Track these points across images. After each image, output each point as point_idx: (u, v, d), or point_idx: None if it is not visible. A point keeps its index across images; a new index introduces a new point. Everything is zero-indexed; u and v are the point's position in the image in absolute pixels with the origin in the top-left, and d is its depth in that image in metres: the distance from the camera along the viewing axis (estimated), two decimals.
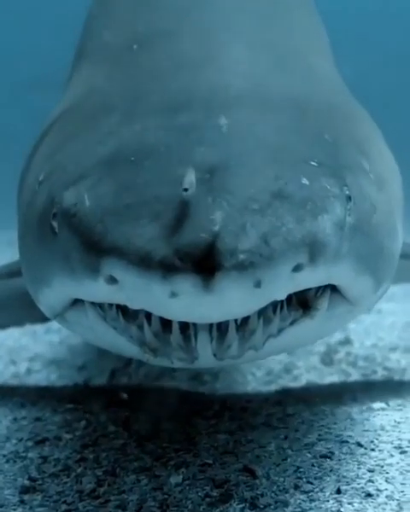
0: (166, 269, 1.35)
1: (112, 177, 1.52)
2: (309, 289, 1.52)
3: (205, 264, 1.34)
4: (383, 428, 1.87)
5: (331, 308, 1.58)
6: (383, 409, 2.03)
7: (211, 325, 1.47)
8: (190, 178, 1.40)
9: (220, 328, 1.48)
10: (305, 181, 1.48)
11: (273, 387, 2.35)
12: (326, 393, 2.25)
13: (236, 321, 1.47)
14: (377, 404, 2.06)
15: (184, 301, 1.36)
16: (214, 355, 1.49)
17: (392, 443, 1.77)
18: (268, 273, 1.37)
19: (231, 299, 1.36)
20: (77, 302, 1.60)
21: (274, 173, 1.48)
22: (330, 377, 2.45)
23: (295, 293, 1.50)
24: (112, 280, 1.42)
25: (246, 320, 1.48)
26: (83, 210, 1.49)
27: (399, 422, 1.90)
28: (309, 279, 1.46)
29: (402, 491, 1.57)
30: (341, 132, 1.73)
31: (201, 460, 1.74)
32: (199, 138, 1.55)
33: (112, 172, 1.53)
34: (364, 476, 1.64)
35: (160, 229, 1.39)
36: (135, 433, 1.92)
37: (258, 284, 1.36)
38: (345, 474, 1.65)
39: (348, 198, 1.53)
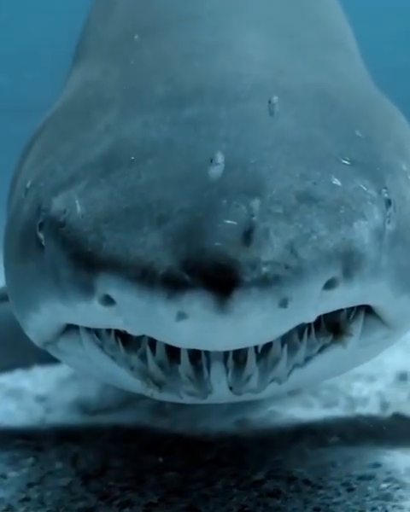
0: (172, 285, 1.13)
1: (108, 178, 1.31)
2: (340, 311, 1.32)
3: (219, 279, 1.12)
4: (333, 464, 1.83)
5: (366, 333, 1.37)
6: (337, 443, 2.00)
7: (226, 353, 1.26)
8: (219, 160, 1.21)
9: (238, 357, 1.27)
10: (336, 181, 1.28)
11: (233, 419, 2.32)
12: (284, 426, 2.22)
13: (256, 348, 1.27)
14: (333, 439, 2.03)
15: (194, 325, 1.15)
16: (231, 388, 1.28)
17: (340, 480, 1.74)
18: (296, 290, 1.16)
19: (252, 322, 1.15)
20: (70, 328, 1.39)
21: (300, 172, 1.28)
22: (292, 408, 2.42)
23: (325, 316, 1.30)
24: (108, 300, 1.21)
25: (268, 347, 1.28)
26: (73, 217, 1.28)
27: (351, 458, 1.87)
28: (343, 298, 1.25)
29: None
30: (374, 129, 1.52)
31: (146, 499, 1.71)
32: (210, 133, 1.35)
33: (108, 174, 1.32)
34: None
35: (164, 238, 1.18)
36: (82, 471, 1.88)
37: (284, 303, 1.15)
38: None
39: (388, 202, 1.33)
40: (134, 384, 1.34)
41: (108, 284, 1.20)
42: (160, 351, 1.29)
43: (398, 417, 2.22)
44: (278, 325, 1.20)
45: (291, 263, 1.16)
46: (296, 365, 1.31)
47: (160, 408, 2.46)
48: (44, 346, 1.50)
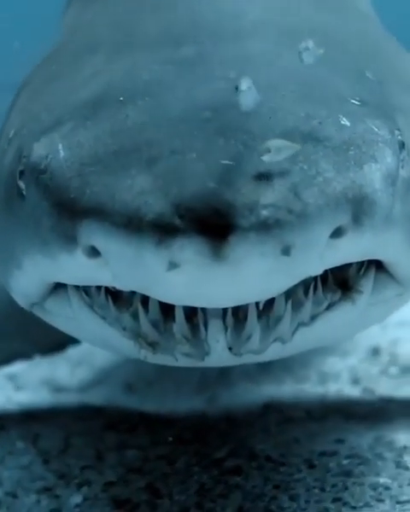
0: (162, 230, 1.04)
1: (95, 120, 1.22)
2: (349, 266, 1.24)
3: (214, 222, 1.03)
4: (297, 441, 1.81)
5: (377, 290, 1.29)
6: (303, 419, 1.97)
7: (225, 310, 1.17)
8: (245, 86, 1.12)
9: (237, 315, 1.19)
10: (345, 121, 1.19)
11: (202, 396, 2.29)
12: (252, 403, 2.19)
13: (257, 305, 1.18)
14: (299, 414, 2.00)
15: (187, 276, 1.06)
16: (230, 349, 1.19)
17: (302, 456, 1.71)
18: (301, 236, 1.07)
19: (252, 271, 1.05)
20: (58, 287, 1.30)
21: (305, 111, 1.18)
22: (263, 385, 2.39)
23: (332, 271, 1.22)
24: (93, 252, 1.12)
25: (269, 304, 1.19)
26: (55, 162, 1.18)
27: (315, 434, 1.85)
28: (352, 249, 1.16)
29: (304, 510, 1.51)
30: (385, 71, 1.43)
31: (105, 478, 1.68)
32: (207, 73, 1.26)
33: (95, 116, 1.23)
34: (268, 493, 1.58)
35: (154, 180, 1.09)
36: (43, 450, 1.85)
37: (287, 251, 1.06)
38: (250, 490, 1.59)
39: (402, 145, 1.24)
40: (126, 346, 1.26)
41: (91, 233, 1.11)
42: (153, 308, 1.20)
43: (367, 392, 2.19)
44: (281, 276, 1.10)
45: (294, 206, 1.07)
46: (302, 324, 1.23)
47: (130, 386, 2.45)
48: (31, 307, 1.40)
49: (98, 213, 1.10)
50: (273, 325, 1.21)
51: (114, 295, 1.24)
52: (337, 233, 1.13)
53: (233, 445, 1.81)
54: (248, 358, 1.23)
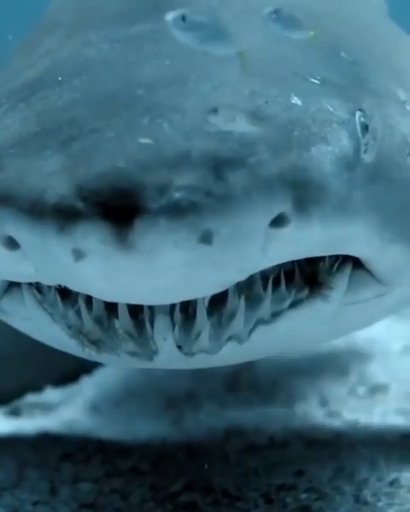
0: (63, 216, 0.95)
1: (28, 102, 1.16)
2: (322, 262, 1.16)
3: (117, 205, 0.93)
4: (256, 472, 1.76)
5: (354, 289, 1.20)
6: (265, 446, 1.93)
7: (173, 306, 1.09)
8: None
9: (187, 310, 1.11)
10: (296, 100, 1.10)
11: (167, 418, 2.25)
12: (215, 427, 2.14)
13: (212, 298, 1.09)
14: (262, 441, 1.96)
15: (95, 267, 0.96)
16: (181, 348, 1.11)
17: (260, 490, 1.67)
18: (223, 222, 0.96)
19: (168, 263, 0.95)
20: (13, 285, 1.23)
21: (251, 89, 1.09)
22: (229, 406, 2.34)
23: (301, 266, 1.14)
24: (11, 242, 1.04)
25: (223, 299, 1.10)
26: None
27: (275, 464, 1.80)
28: (302, 241, 1.05)
29: None
30: (368, 54, 1.34)
31: None
32: (155, 50, 1.19)
33: (30, 97, 1.17)
34: None
35: (66, 161, 1.00)
36: None
37: (207, 239, 0.95)
38: None
39: (365, 127, 1.14)
40: (73, 345, 1.18)
41: (4, 220, 1.03)
42: (97, 304, 1.12)
43: (333, 415, 2.15)
44: (208, 270, 0.99)
45: (215, 189, 0.96)
46: (261, 321, 1.14)
47: (95, 407, 2.40)
48: None
49: (8, 199, 1.02)
50: (226, 322, 1.12)
51: (64, 292, 1.16)
52: (279, 222, 1.02)
53: (190, 476, 1.76)
54: (204, 361, 1.14)
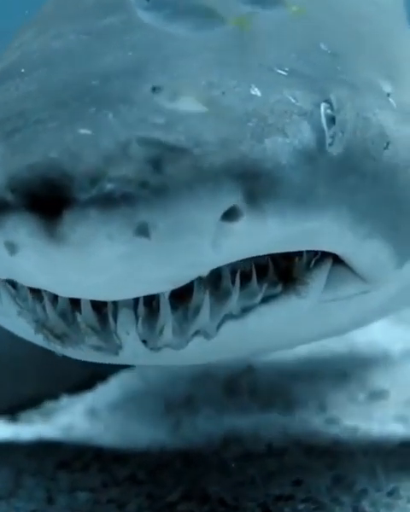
0: None
1: None
2: (298, 257, 1.14)
3: (46, 196, 0.91)
4: (253, 481, 1.75)
5: (333, 285, 1.18)
6: (263, 455, 1.91)
7: (137, 299, 1.07)
8: None
9: (151, 304, 1.09)
10: (256, 91, 1.06)
11: (167, 423, 2.24)
12: (213, 434, 2.13)
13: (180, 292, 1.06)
14: (260, 449, 1.95)
15: (29, 261, 0.95)
16: (145, 343, 1.09)
17: (257, 500, 1.65)
18: (160, 214, 0.93)
19: (103, 256, 0.94)
20: None
21: (208, 80, 1.06)
22: (228, 412, 2.33)
23: (275, 261, 1.12)
24: None
25: (189, 291, 1.08)
26: None
27: (272, 473, 1.79)
28: (260, 236, 1.03)
29: None
30: (355, 46, 1.30)
31: None
32: (121, 41, 1.15)
33: None
34: None
35: (4, 151, 0.99)
36: None
37: (143, 232, 0.93)
38: None
39: (331, 119, 1.11)
40: (38, 338, 1.18)
41: None
42: (62, 298, 1.11)
43: (332, 421, 2.14)
44: (149, 263, 0.97)
45: (152, 180, 0.93)
46: (229, 316, 1.11)
47: (94, 411, 2.39)
48: None
49: None
50: (192, 316, 1.10)
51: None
52: (230, 215, 0.99)
53: (187, 485, 1.74)
54: (171, 357, 1.11)
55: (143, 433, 2.16)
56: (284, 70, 1.13)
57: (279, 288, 1.15)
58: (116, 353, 1.11)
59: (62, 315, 1.12)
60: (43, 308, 1.14)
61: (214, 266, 1.06)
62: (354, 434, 2.03)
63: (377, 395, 2.34)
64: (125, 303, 1.08)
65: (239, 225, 1.00)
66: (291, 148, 1.05)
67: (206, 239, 0.99)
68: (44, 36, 1.27)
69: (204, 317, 1.10)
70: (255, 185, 1.00)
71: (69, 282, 0.99)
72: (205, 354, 1.15)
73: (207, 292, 1.09)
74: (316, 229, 1.09)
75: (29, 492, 1.76)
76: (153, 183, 0.93)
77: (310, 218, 1.07)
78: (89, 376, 2.48)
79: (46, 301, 1.12)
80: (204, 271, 1.06)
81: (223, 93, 1.05)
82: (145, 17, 1.22)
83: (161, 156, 0.95)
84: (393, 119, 1.23)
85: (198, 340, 1.11)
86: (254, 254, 1.08)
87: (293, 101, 1.09)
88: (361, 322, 1.46)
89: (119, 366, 2.48)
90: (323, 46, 1.25)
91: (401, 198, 1.21)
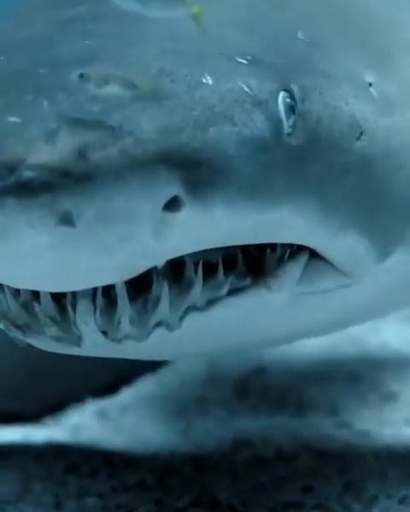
0: None
1: None
2: (272, 250, 1.12)
3: None
4: (263, 487, 1.72)
5: (310, 279, 1.16)
6: (273, 459, 1.89)
7: (95, 290, 1.07)
8: None
9: (111, 295, 1.08)
10: (208, 80, 1.03)
11: (178, 425, 2.22)
12: (223, 438, 2.12)
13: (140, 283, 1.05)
14: (269, 454, 1.93)
15: None
16: (105, 334, 1.08)
17: (266, 506, 1.63)
18: (85, 203, 0.91)
19: (31, 246, 0.93)
20: None
21: (160, 67, 1.03)
22: (238, 414, 2.31)
23: (246, 254, 1.10)
24: None
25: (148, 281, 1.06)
26: None
27: (283, 479, 1.77)
28: (208, 227, 1.01)
29: None
30: (344, 36, 1.27)
31: None
32: (84, 29, 1.13)
33: None
34: None
35: None
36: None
37: (67, 220, 0.92)
38: None
39: (290, 109, 1.08)
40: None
41: None
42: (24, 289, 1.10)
43: (343, 425, 2.12)
44: (81, 254, 0.96)
45: (76, 167, 0.91)
46: (193, 308, 1.09)
47: (103, 412, 2.38)
48: None
49: None
50: (152, 307, 1.08)
51: None
52: (172, 206, 0.97)
53: (197, 491, 1.73)
54: (134, 350, 1.10)
55: (153, 436, 2.15)
56: (246, 59, 1.10)
57: (248, 280, 1.12)
58: (78, 344, 1.11)
59: (24, 306, 1.11)
60: (5, 298, 1.13)
61: (165, 257, 1.05)
62: (365, 438, 2.01)
63: (389, 397, 2.32)
64: (84, 294, 1.07)
65: (182, 216, 0.98)
66: (241, 138, 1.02)
67: (145, 228, 0.97)
68: (16, 24, 1.25)
69: (164, 309, 1.08)
70: (197, 175, 0.98)
71: (12, 273, 0.99)
72: (170, 347, 1.13)
73: (166, 283, 1.07)
74: (276, 222, 1.07)
75: (37, 497, 1.75)
76: (77, 171, 0.91)
77: (266, 210, 1.05)
78: (114, 380, 2.46)
79: (6, 291, 1.11)
80: (155, 262, 1.04)
81: (172, 81, 1.02)
82: (114, 7, 1.18)
83: (87, 144, 0.93)
84: (370, 109, 1.20)
85: (160, 331, 1.09)
86: (209, 246, 1.06)
87: (247, 90, 1.05)
88: (350, 319, 1.41)
89: (146, 369, 2.47)
90: (301, 35, 1.21)
91: (378, 190, 1.18)
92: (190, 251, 1.06)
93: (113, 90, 1.00)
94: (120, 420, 2.34)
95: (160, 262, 1.05)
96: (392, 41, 1.40)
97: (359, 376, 2.51)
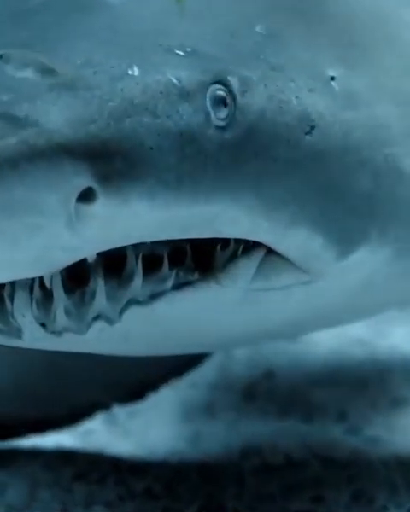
0: None
1: None
2: (219, 244, 1.10)
3: None
4: (271, 496, 1.71)
5: (266, 275, 1.14)
6: (282, 467, 1.88)
7: (33, 280, 1.07)
8: None
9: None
10: (134, 71, 1.02)
11: (186, 431, 2.21)
12: (232, 443, 2.11)
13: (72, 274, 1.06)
14: (278, 460, 1.91)
15: None
16: (44, 326, 1.08)
17: None
18: None
19: None
20: None
21: (86, 58, 1.03)
22: (247, 418, 2.30)
23: (197, 250, 1.09)
24: None
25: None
26: None
27: (291, 488, 1.75)
28: (127, 221, 1.00)
29: None
30: (311, 29, 1.24)
31: None
32: (30, 22, 1.12)
33: None
34: None
35: None
36: (8, 504, 1.77)
37: None
38: None
39: (221, 101, 1.07)
40: None
41: None
42: None
43: (352, 431, 2.10)
44: None
45: None
46: (134, 301, 1.08)
47: (112, 416, 2.37)
48: None
49: None
50: (89, 300, 1.07)
51: None
52: (86, 198, 0.96)
53: (204, 500, 1.72)
54: (74, 343, 1.10)
55: (160, 442, 2.14)
56: (184, 51, 1.08)
57: (196, 275, 1.11)
58: (19, 337, 1.10)
59: None
60: None
61: (89, 251, 1.03)
62: (374, 444, 2.00)
63: (398, 402, 2.31)
64: (21, 285, 1.07)
65: (97, 208, 0.97)
66: (163, 129, 1.01)
67: (56, 220, 0.96)
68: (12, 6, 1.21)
69: (101, 301, 1.07)
70: (110, 166, 0.96)
71: None
72: (114, 342, 1.12)
73: (101, 275, 1.06)
74: (209, 216, 1.05)
75: (44, 505, 1.75)
76: None
77: (194, 203, 1.03)
78: (140, 386, 2.44)
79: None
80: (78, 256, 1.03)
81: (95, 72, 1.01)
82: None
83: None
84: (327, 103, 1.17)
85: (100, 325, 1.08)
86: (136, 240, 1.04)
87: (175, 81, 1.04)
88: (321, 320, 1.37)
89: (171, 376, 2.44)
90: (258, 28, 1.18)
91: (334, 186, 1.15)
92: (116, 245, 1.04)
93: (30, 74, 0.99)
94: (128, 425, 2.32)
95: (83, 255, 1.03)
96: (370, 35, 1.36)
97: (367, 381, 2.50)
